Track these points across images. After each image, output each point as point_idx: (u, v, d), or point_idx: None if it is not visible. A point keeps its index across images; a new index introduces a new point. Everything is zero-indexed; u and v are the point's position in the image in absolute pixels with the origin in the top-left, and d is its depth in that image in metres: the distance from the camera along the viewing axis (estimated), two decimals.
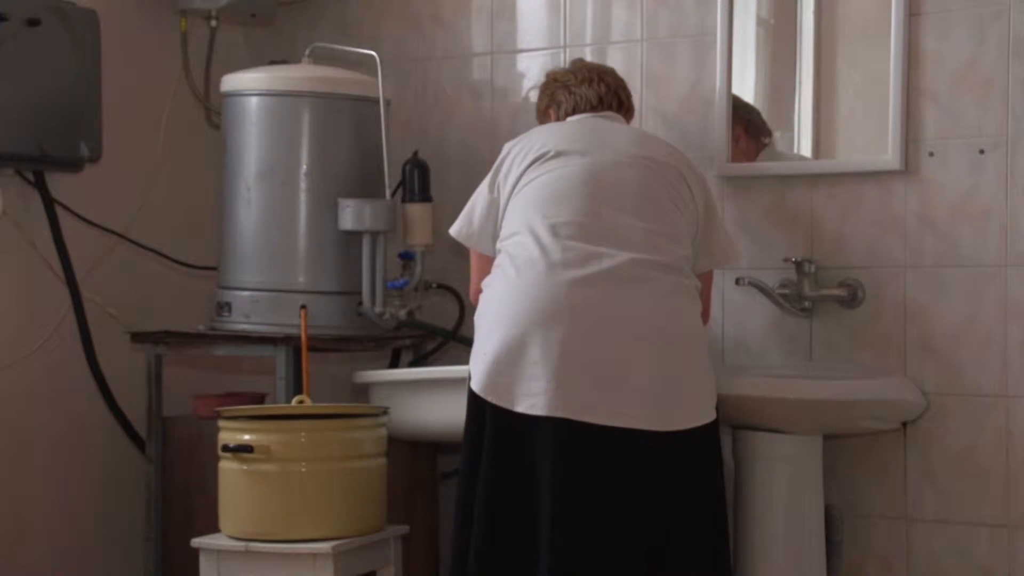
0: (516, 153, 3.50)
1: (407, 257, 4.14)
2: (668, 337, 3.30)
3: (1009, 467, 3.70)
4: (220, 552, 3.63)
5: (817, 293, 3.85)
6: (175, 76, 4.46)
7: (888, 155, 3.79)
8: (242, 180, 4.05)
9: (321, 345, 4.00)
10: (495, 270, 3.42)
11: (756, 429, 3.70)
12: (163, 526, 4.14)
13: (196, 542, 3.66)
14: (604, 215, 3.36)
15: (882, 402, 3.73)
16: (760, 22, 4.07)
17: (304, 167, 4.02)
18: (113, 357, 4.26)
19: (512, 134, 3.76)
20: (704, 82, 4.03)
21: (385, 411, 3.76)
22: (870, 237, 3.84)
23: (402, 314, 4.10)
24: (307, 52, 4.18)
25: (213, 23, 4.41)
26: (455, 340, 4.21)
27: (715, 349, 4.00)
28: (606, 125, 3.58)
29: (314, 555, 3.55)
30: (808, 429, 3.70)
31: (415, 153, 4.21)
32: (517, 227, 3.40)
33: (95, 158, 4.10)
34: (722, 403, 3.63)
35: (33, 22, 3.90)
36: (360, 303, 4.04)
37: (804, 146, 3.99)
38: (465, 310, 4.18)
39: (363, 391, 4.03)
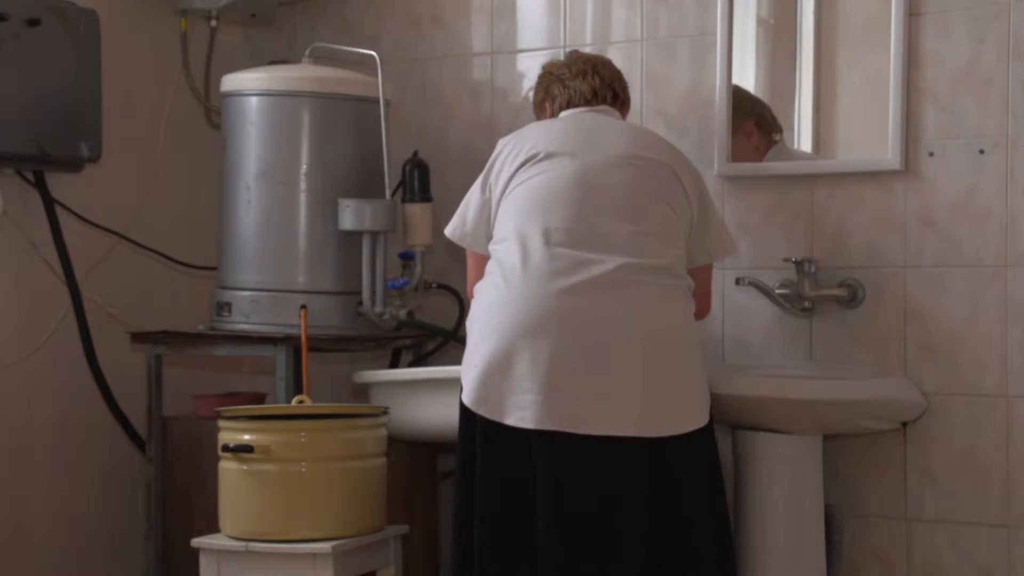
0: (508, 153, 3.48)
1: (407, 257, 4.14)
2: (659, 342, 3.28)
3: (1009, 467, 3.70)
4: (220, 552, 3.63)
5: (817, 293, 3.85)
6: (175, 76, 4.46)
7: (888, 155, 3.79)
8: (242, 180, 4.05)
9: (321, 345, 4.00)
10: (486, 277, 3.41)
11: (756, 429, 3.70)
12: (163, 526, 4.14)
13: (196, 542, 3.66)
14: (593, 220, 3.34)
15: (882, 402, 3.73)
16: (760, 22, 4.07)
17: (304, 167, 4.02)
18: (113, 357, 4.25)
19: None
20: (704, 82, 4.03)
21: (385, 411, 3.76)
22: (870, 237, 3.84)
23: (402, 314, 4.10)
24: (307, 52, 4.18)
25: (213, 23, 4.41)
26: (455, 340, 4.21)
27: (715, 349, 4.00)
28: (599, 121, 3.55)
29: (314, 555, 3.55)
30: (808, 429, 3.70)
31: (415, 153, 4.21)
32: (506, 232, 3.38)
33: (95, 158, 4.09)
34: (722, 403, 3.64)
35: (33, 22, 3.90)
36: (360, 303, 4.04)
37: (804, 146, 3.99)
38: (465, 310, 4.17)
39: (363, 391, 4.03)
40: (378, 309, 4.04)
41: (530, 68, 4.25)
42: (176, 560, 4.06)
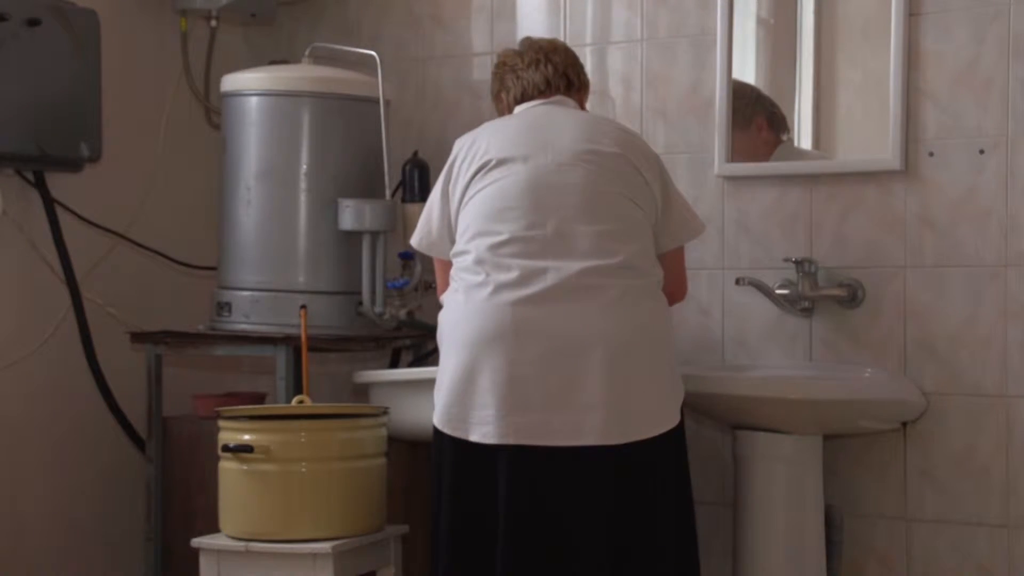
0: (462, 159, 3.43)
1: (407, 257, 4.14)
2: (620, 347, 3.24)
3: (1009, 467, 3.70)
4: (220, 552, 3.63)
5: (817, 293, 3.85)
6: (175, 76, 4.47)
7: (888, 155, 3.79)
8: (242, 180, 4.05)
9: (321, 345, 4.00)
10: (448, 293, 3.40)
11: (756, 429, 3.70)
12: (163, 526, 4.14)
13: (196, 542, 3.66)
14: (550, 226, 3.29)
15: (882, 402, 3.73)
16: (760, 22, 4.07)
17: (304, 167, 4.02)
18: (113, 357, 4.26)
19: None
20: (704, 82, 4.03)
21: (385, 411, 3.76)
22: (870, 237, 3.84)
23: (402, 314, 4.11)
24: (307, 52, 4.18)
25: (213, 23, 4.41)
26: None
27: (715, 349, 4.01)
28: (553, 116, 3.47)
29: (314, 555, 3.55)
30: (808, 429, 3.70)
31: (415, 153, 4.21)
32: (464, 245, 3.36)
33: (95, 158, 4.10)
34: (722, 403, 3.64)
35: (33, 22, 3.90)
36: (360, 303, 4.04)
37: (804, 146, 4.00)
38: None
39: (363, 391, 4.03)
40: (378, 309, 4.04)
41: None
42: (176, 560, 4.06)
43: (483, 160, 3.38)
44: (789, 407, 3.63)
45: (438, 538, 3.36)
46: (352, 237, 4.03)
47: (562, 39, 4.17)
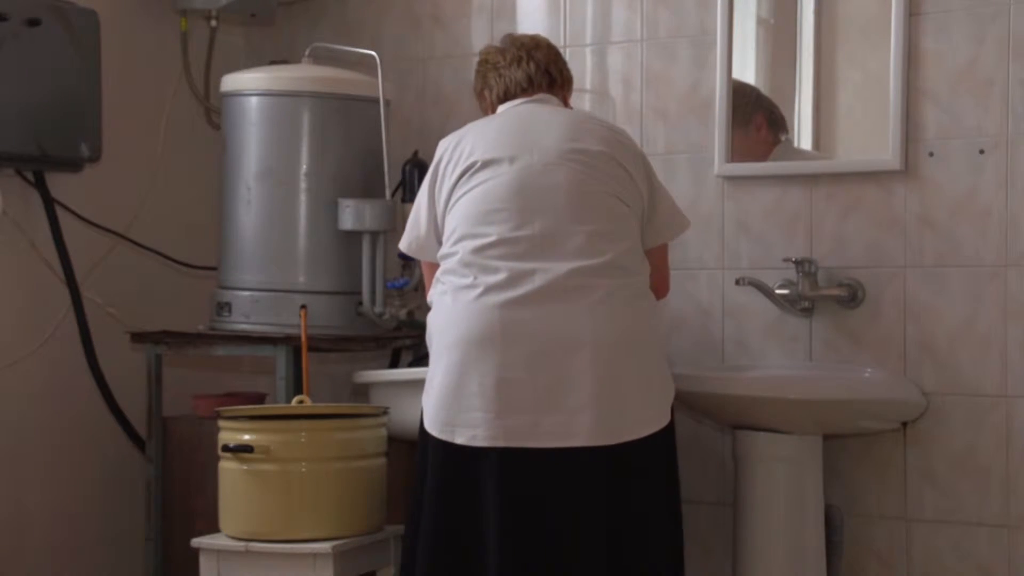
0: (448, 160, 3.42)
1: (407, 257, 4.14)
2: (609, 348, 3.24)
3: (1009, 467, 3.70)
4: (220, 552, 3.63)
5: (817, 293, 3.85)
6: (175, 76, 4.47)
7: (888, 155, 3.79)
8: (242, 180, 4.05)
9: (321, 345, 4.00)
10: (436, 295, 3.39)
11: (756, 429, 3.70)
12: (163, 526, 4.14)
13: (196, 542, 3.66)
14: (537, 227, 3.28)
15: (882, 402, 3.73)
16: (760, 22, 4.07)
17: (304, 167, 4.02)
18: (113, 357, 4.26)
19: None
20: (704, 82, 4.03)
21: (385, 411, 3.76)
22: (870, 237, 3.84)
23: (402, 314, 4.11)
24: (307, 52, 4.18)
25: (213, 23, 4.41)
26: None
27: (715, 349, 4.01)
28: (537, 115, 3.46)
29: (314, 555, 3.55)
30: (808, 429, 3.70)
31: (415, 153, 4.21)
32: (451, 247, 3.35)
33: (95, 158, 4.10)
34: (722, 403, 3.64)
35: (33, 22, 3.90)
36: (360, 303, 4.04)
37: (804, 146, 4.00)
38: None
39: (363, 391, 4.03)
40: (378, 309, 4.04)
41: None
42: (176, 560, 4.06)
43: (469, 162, 3.37)
44: (789, 407, 3.63)
45: (416, 540, 3.34)
46: (352, 237, 4.03)
47: (562, 39, 4.19)
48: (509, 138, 3.39)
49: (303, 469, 3.58)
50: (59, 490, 4.21)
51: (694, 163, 4.04)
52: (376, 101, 4.06)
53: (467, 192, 3.36)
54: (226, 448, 3.61)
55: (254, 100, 4.06)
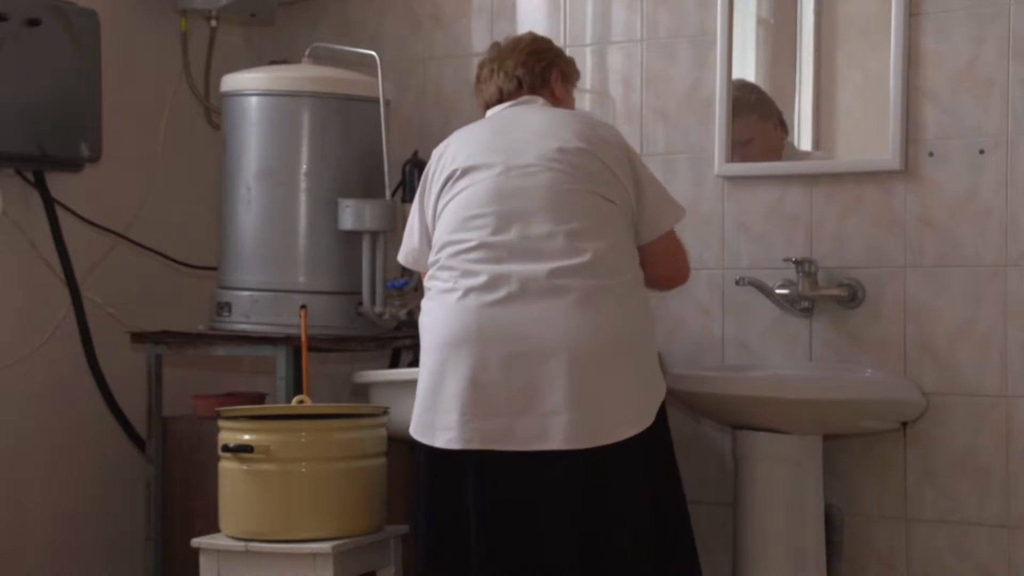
0: (433, 170, 3.45)
1: None
2: (587, 349, 3.22)
3: (1009, 467, 3.70)
4: (220, 552, 3.63)
5: (817, 293, 3.85)
6: (175, 76, 4.47)
7: (888, 155, 3.79)
8: (242, 180, 4.05)
9: (321, 345, 4.00)
10: (424, 301, 3.40)
11: (756, 429, 3.70)
12: (163, 526, 4.14)
13: (196, 542, 3.66)
14: (517, 230, 3.28)
15: (882, 402, 3.73)
16: (760, 22, 4.07)
17: (304, 167, 4.02)
18: (113, 357, 4.26)
19: None
20: (704, 82, 4.03)
21: (385, 411, 3.76)
22: (870, 237, 3.84)
23: (402, 314, 4.10)
24: (307, 52, 4.18)
25: (213, 23, 4.41)
26: None
27: (715, 349, 4.01)
28: (518, 118, 3.46)
29: (314, 555, 3.55)
30: (808, 429, 3.70)
31: (415, 153, 4.21)
32: (435, 254, 3.37)
33: (95, 158, 4.10)
34: (722, 403, 3.64)
35: (33, 22, 3.90)
36: (360, 303, 4.04)
37: (804, 146, 4.00)
38: None
39: (363, 391, 4.03)
40: (378, 309, 4.04)
41: None
42: (176, 560, 4.06)
43: (450, 170, 3.40)
44: (789, 407, 3.63)
45: (418, 540, 3.39)
46: (352, 237, 4.03)
47: (562, 39, 4.18)
48: (489, 144, 3.40)
49: (303, 469, 3.58)
50: (59, 490, 4.22)
51: (694, 163, 4.04)
52: (376, 101, 4.06)
53: (451, 200, 3.38)
54: (226, 448, 3.61)
55: (254, 100, 4.06)
